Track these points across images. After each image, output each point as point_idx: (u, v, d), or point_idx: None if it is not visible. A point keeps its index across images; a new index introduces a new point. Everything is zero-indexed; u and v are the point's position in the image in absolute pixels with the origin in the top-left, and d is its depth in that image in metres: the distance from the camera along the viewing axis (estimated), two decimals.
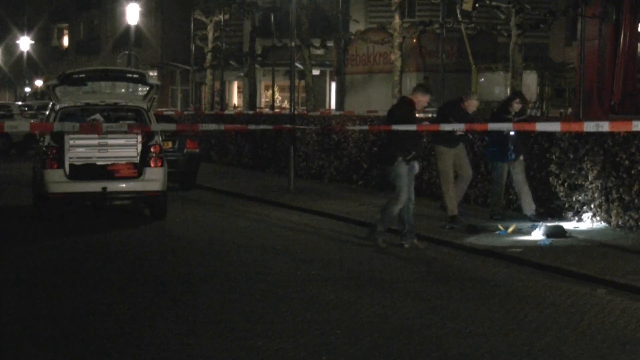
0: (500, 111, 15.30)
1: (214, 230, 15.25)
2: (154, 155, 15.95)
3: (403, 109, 13.52)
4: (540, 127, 13.83)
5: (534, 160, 15.49)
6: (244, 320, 9.15)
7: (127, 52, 37.87)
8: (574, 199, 14.88)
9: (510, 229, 14.13)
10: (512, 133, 14.74)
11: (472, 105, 14.91)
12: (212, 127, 24.02)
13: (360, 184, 20.88)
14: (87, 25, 72.52)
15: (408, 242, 13.31)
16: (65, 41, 77.39)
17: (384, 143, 13.26)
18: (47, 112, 17.76)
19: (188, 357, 7.96)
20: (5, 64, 76.07)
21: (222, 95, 45.11)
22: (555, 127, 13.77)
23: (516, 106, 15.03)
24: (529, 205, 15.02)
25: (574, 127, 13.35)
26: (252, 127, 22.28)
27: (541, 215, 15.05)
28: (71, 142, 15.82)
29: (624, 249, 12.62)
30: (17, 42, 71.05)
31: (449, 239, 13.71)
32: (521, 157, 15.08)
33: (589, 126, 11.63)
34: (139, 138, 16.06)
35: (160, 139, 16.43)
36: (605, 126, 11.34)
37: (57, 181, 15.61)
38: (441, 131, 14.53)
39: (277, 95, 48.41)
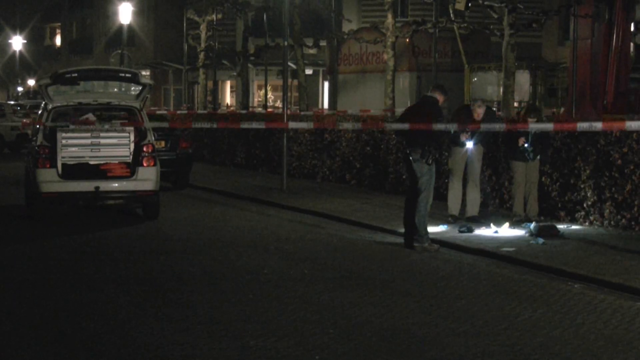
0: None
1: (207, 230, 15.23)
2: (146, 154, 15.93)
3: (437, 107, 13.37)
4: (534, 126, 13.84)
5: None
6: (237, 319, 9.14)
7: (119, 51, 37.89)
8: (566, 199, 14.90)
9: (503, 228, 14.16)
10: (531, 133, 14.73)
11: (477, 112, 15.00)
12: (205, 124, 23.97)
13: (353, 184, 20.87)
14: (79, 25, 72.44)
15: (421, 244, 13.16)
16: (58, 40, 77.31)
17: (418, 140, 13.08)
18: (40, 112, 17.73)
19: (181, 356, 7.95)
20: None
21: (215, 94, 45.02)
22: (547, 127, 13.78)
23: (531, 121, 14.93)
24: (533, 208, 14.93)
25: (566, 127, 13.36)
26: (244, 124, 22.22)
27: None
28: (64, 141, 15.80)
29: (616, 248, 12.64)
30: (10, 41, 70.92)
31: (443, 238, 13.71)
32: (538, 157, 14.99)
33: (582, 126, 11.63)
34: (132, 137, 16.05)
35: (153, 138, 16.42)
36: (598, 125, 11.35)
37: (50, 181, 15.58)
38: (455, 132, 14.67)
39: (269, 94, 48.34)
